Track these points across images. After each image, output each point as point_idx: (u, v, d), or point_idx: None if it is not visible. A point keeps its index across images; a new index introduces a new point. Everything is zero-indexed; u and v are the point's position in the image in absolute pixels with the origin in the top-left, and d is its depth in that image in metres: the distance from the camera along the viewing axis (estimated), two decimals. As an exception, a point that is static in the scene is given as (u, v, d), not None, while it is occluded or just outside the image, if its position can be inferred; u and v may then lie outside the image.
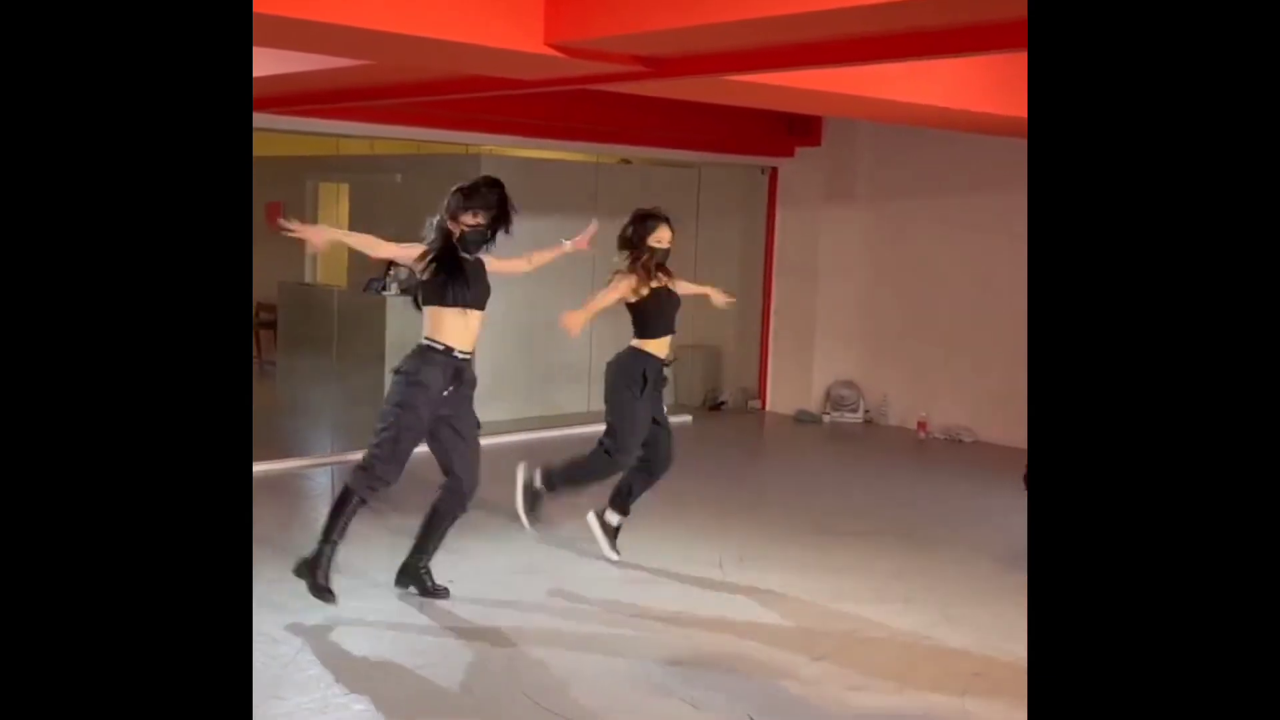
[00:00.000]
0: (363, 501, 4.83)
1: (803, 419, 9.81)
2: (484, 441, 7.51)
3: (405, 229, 9.02)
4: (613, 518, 5.59)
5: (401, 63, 4.89)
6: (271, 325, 10.63)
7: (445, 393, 4.73)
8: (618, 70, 4.30)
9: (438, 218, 4.94)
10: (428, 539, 5.00)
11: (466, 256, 4.87)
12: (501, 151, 9.05)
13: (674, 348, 5.46)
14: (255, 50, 4.84)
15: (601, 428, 5.43)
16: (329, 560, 4.78)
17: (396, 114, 7.32)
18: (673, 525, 6.15)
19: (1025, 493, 2.47)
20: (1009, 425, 8.34)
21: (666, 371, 5.48)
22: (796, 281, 10.05)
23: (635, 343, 5.40)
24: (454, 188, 4.94)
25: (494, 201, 4.82)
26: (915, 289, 9.33)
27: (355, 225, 10.27)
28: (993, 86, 5.49)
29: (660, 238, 5.40)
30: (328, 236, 5.15)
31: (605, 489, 5.59)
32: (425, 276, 4.86)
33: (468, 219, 4.83)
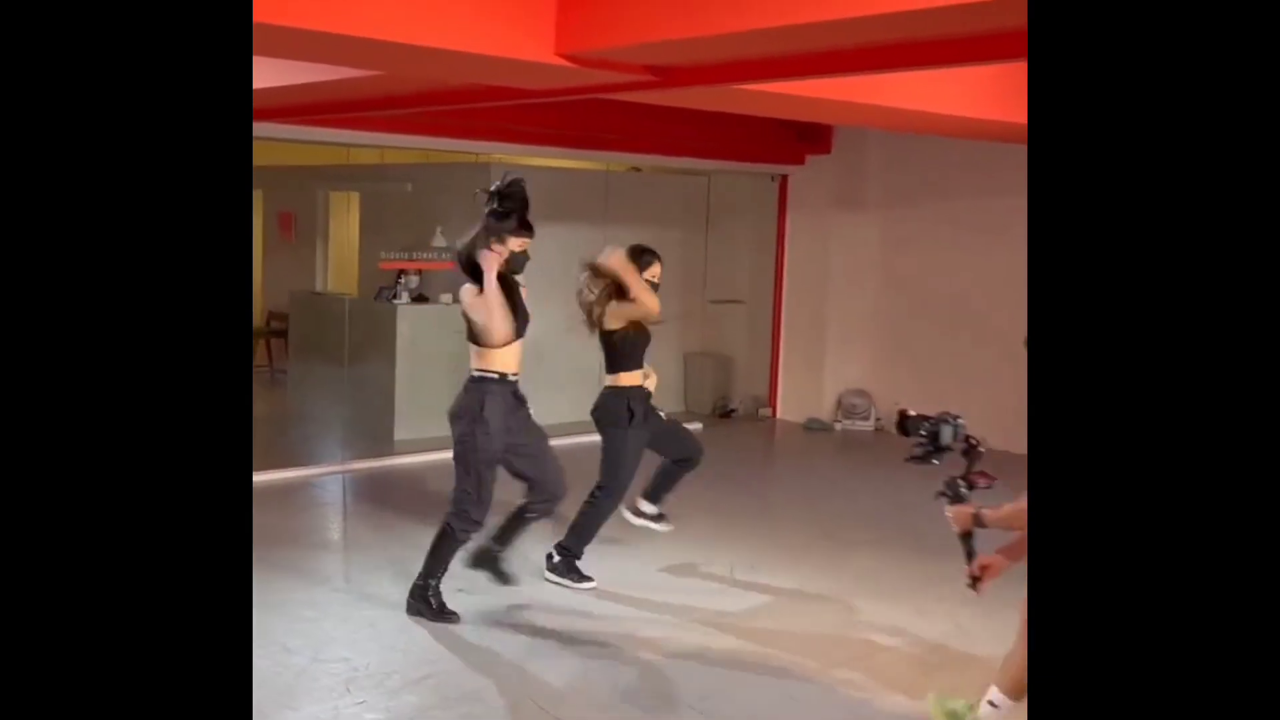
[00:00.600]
0: (461, 542, 4.84)
1: (813, 427, 9.80)
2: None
3: (415, 237, 9.10)
4: (648, 507, 5.59)
5: (412, 73, 4.90)
6: (283, 334, 10.65)
7: (509, 421, 4.75)
8: (628, 80, 4.30)
9: (467, 245, 4.80)
10: (509, 531, 5.03)
11: (515, 280, 4.85)
12: (511, 160, 9.07)
13: (646, 375, 5.39)
14: (268, 61, 4.86)
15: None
16: (437, 590, 4.85)
17: (407, 123, 7.34)
18: (684, 532, 6.13)
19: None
20: (1022, 434, 8.29)
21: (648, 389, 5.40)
22: (807, 289, 10.04)
23: (610, 379, 5.29)
24: (495, 209, 4.82)
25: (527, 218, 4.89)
26: (927, 296, 9.31)
27: (366, 233, 10.31)
28: (1002, 94, 5.48)
29: (654, 273, 5.34)
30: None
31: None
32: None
33: (517, 243, 4.81)
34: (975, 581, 3.66)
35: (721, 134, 8.52)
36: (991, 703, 3.58)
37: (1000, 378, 8.75)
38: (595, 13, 3.76)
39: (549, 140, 8.18)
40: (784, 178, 10.06)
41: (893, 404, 9.61)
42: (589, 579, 5.35)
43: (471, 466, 4.71)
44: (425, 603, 4.82)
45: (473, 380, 4.77)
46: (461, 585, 5.30)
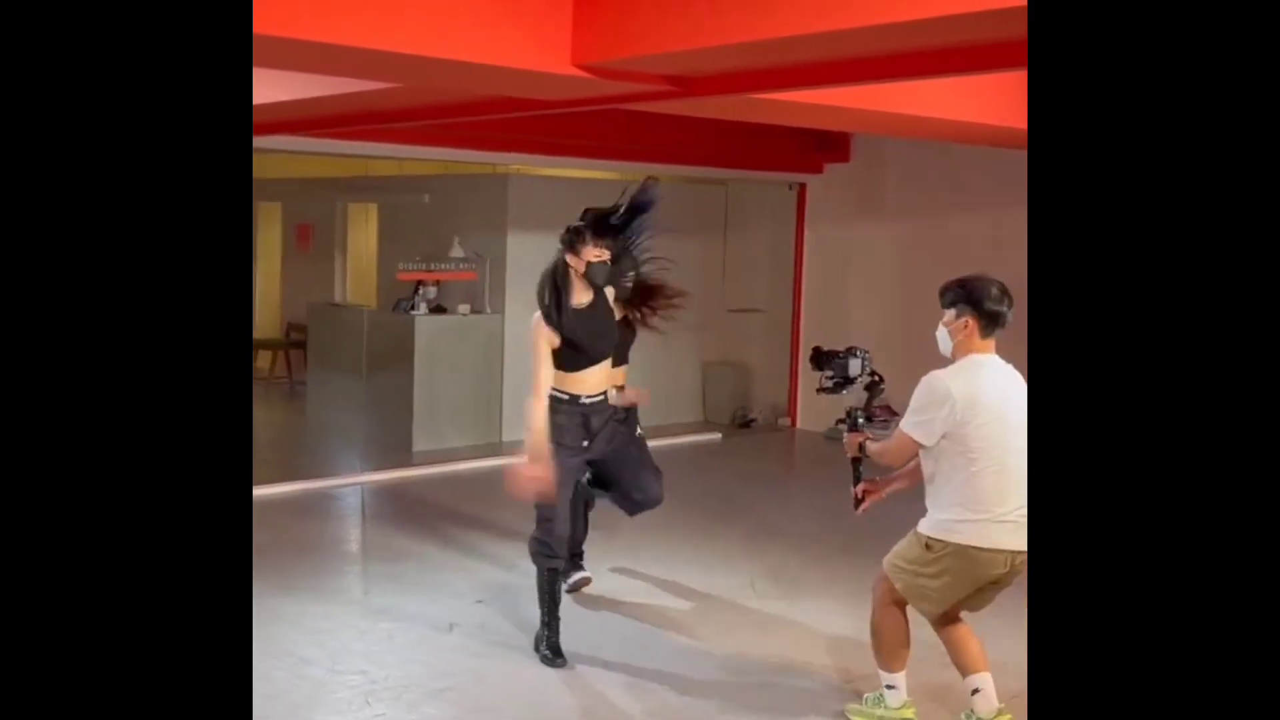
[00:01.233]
0: (556, 571, 4.61)
1: (834, 436, 9.74)
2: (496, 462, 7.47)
3: (433, 248, 9.11)
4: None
5: (430, 85, 4.90)
6: (301, 345, 10.68)
7: (584, 443, 4.54)
8: (646, 90, 4.29)
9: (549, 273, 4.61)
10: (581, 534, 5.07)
11: (581, 305, 4.57)
12: (529, 171, 9.07)
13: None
14: (287, 75, 4.87)
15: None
16: (556, 632, 4.57)
17: (424, 135, 7.34)
18: (703, 545, 6.11)
19: None
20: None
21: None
22: (826, 297, 10.01)
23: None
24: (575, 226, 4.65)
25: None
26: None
27: (384, 244, 10.33)
28: (1023, 101, 5.45)
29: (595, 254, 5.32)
30: (539, 444, 4.44)
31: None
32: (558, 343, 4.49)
33: (593, 251, 4.52)
34: (858, 503, 4.24)
35: (739, 143, 8.50)
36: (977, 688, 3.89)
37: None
38: (612, 23, 3.75)
39: (566, 151, 8.17)
40: (802, 186, 10.03)
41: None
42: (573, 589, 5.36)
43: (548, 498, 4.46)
44: (538, 642, 4.58)
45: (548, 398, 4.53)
46: (481, 597, 5.29)
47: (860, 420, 4.30)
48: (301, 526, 6.60)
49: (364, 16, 3.44)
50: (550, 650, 4.50)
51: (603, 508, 5.36)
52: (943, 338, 4.00)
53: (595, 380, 4.57)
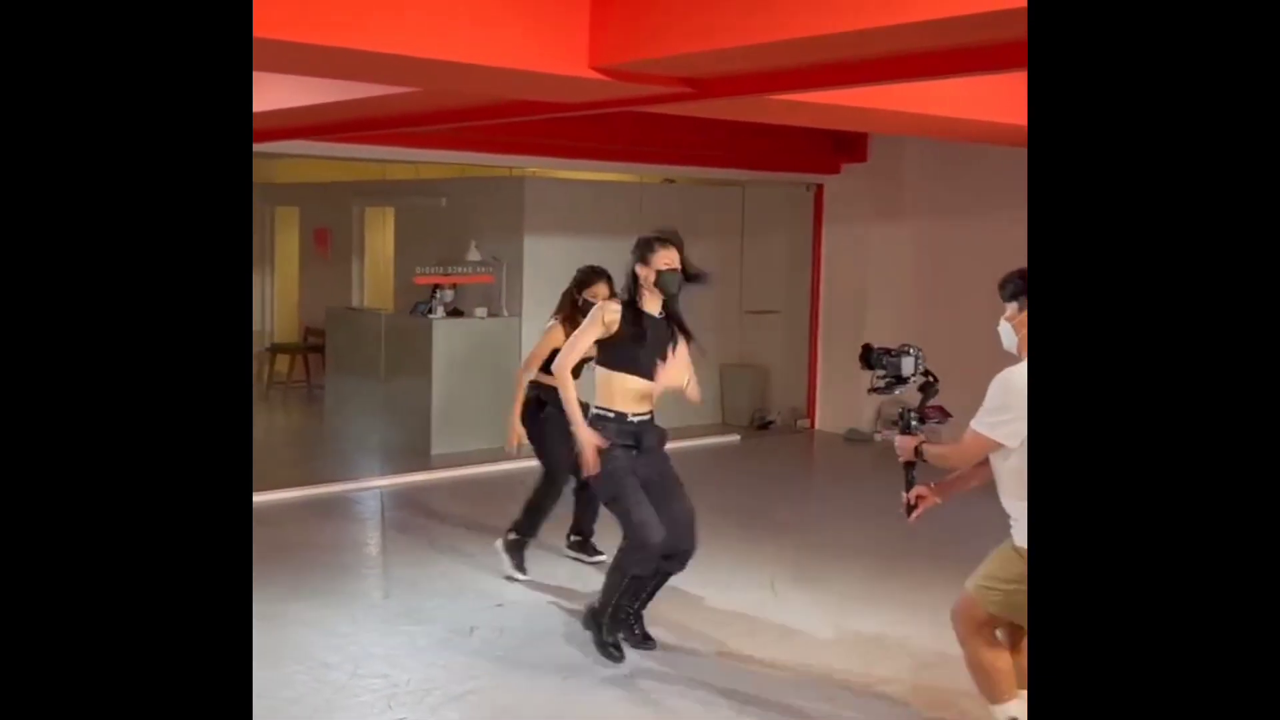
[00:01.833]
0: (637, 578, 4.49)
1: (853, 438, 9.72)
2: (500, 467, 7.50)
3: (450, 251, 9.12)
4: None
5: (446, 88, 4.90)
6: (320, 349, 10.71)
7: (633, 455, 4.44)
8: (662, 92, 4.28)
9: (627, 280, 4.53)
10: (644, 591, 4.70)
11: (652, 315, 4.48)
12: (545, 173, 9.09)
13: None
14: (303, 80, 4.89)
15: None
16: (612, 626, 4.55)
17: (441, 138, 7.36)
18: (724, 545, 6.10)
19: None
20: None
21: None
22: (844, 298, 9.98)
23: (544, 377, 5.42)
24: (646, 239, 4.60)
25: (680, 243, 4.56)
26: (965, 306, 9.22)
27: (401, 248, 10.35)
28: (1041, 100, 5.41)
29: (595, 293, 5.46)
30: (578, 420, 4.44)
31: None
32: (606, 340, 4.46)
33: (662, 258, 4.46)
34: (910, 510, 3.92)
35: (756, 144, 8.48)
36: None
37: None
38: (629, 26, 3.75)
39: (583, 153, 8.18)
40: (820, 187, 10.01)
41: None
42: (523, 572, 5.52)
43: (617, 496, 4.37)
44: (596, 629, 4.56)
45: (590, 414, 4.48)
46: (501, 600, 5.29)
47: (914, 422, 4.01)
48: (321, 530, 6.62)
49: (380, 21, 3.45)
50: (606, 643, 4.52)
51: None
52: (1006, 333, 3.74)
53: (645, 397, 4.48)
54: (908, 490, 3.90)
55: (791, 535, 6.58)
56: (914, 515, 3.90)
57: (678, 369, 4.52)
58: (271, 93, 5.17)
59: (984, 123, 5.49)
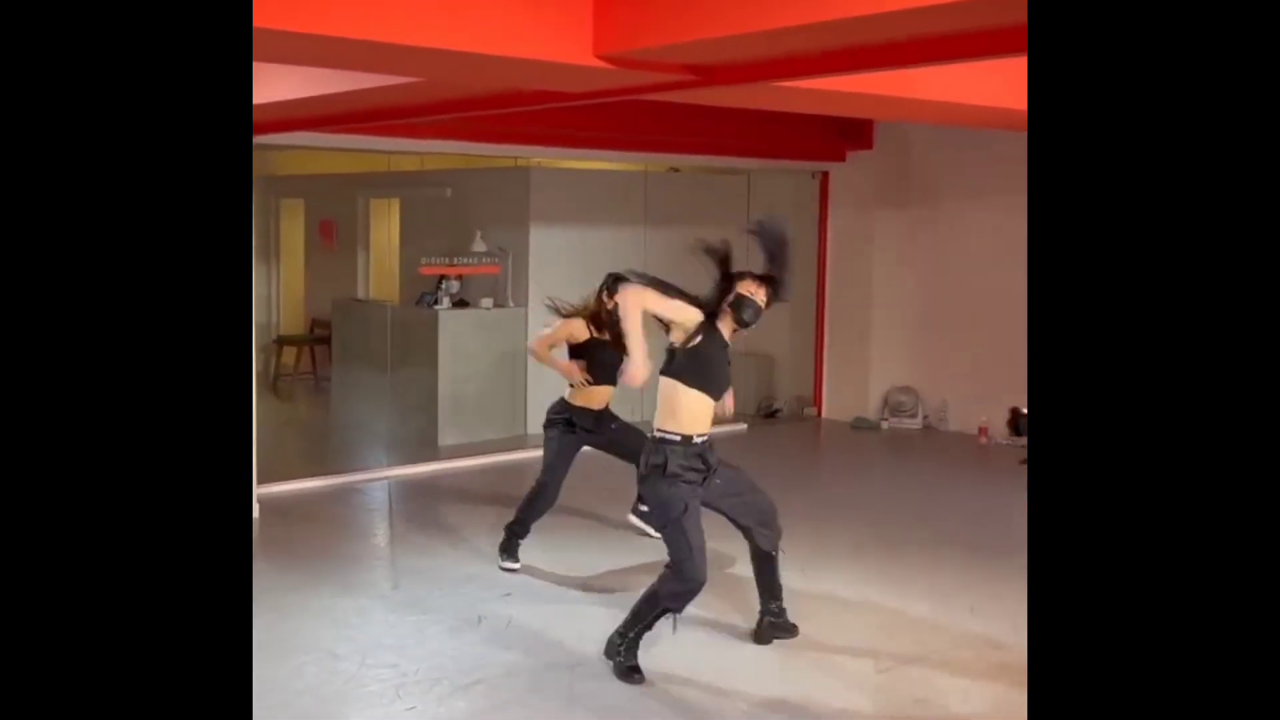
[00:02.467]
0: (669, 610, 4.35)
1: (860, 426, 9.71)
2: (512, 456, 7.47)
3: (456, 242, 9.11)
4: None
5: (450, 78, 4.89)
6: (326, 341, 10.71)
7: (699, 483, 4.32)
8: (667, 80, 4.27)
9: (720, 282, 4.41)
10: (768, 586, 4.73)
11: (723, 335, 4.41)
12: (550, 163, 9.07)
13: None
14: (306, 70, 4.87)
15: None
16: (632, 646, 4.37)
17: (446, 129, 7.34)
18: (732, 533, 6.09)
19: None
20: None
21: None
22: (850, 287, 9.96)
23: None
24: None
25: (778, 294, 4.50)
26: (972, 292, 9.20)
27: (406, 239, 10.35)
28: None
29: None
30: (640, 359, 4.25)
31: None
32: (685, 343, 4.31)
33: (752, 286, 4.42)
34: None
35: (761, 132, 8.46)
36: None
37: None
38: (633, 13, 3.73)
39: (588, 143, 8.17)
40: (825, 175, 9.98)
41: (940, 401, 9.55)
42: (515, 563, 5.56)
43: (673, 526, 4.26)
44: (617, 655, 4.37)
45: (653, 440, 4.35)
46: (509, 590, 5.30)
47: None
48: (329, 521, 6.63)
49: (383, 10, 3.44)
50: (629, 667, 4.31)
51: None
52: None
53: (708, 417, 4.38)
54: None
55: (800, 524, 6.57)
56: None
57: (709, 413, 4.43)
58: (275, 84, 5.15)
59: (989, 108, 5.46)
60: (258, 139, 6.24)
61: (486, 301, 8.93)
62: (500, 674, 4.34)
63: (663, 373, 4.34)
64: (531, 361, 8.90)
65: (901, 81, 4.88)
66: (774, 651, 4.59)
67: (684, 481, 4.27)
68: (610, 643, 4.40)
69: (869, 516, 6.79)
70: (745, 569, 5.67)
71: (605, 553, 5.88)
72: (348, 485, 7.44)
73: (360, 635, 4.70)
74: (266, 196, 11.70)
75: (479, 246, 8.92)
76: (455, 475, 7.84)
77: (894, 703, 4.13)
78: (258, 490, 6.68)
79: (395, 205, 10.98)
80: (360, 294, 11.12)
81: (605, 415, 5.65)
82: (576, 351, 5.61)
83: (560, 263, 9.06)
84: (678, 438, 4.29)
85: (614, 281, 5.61)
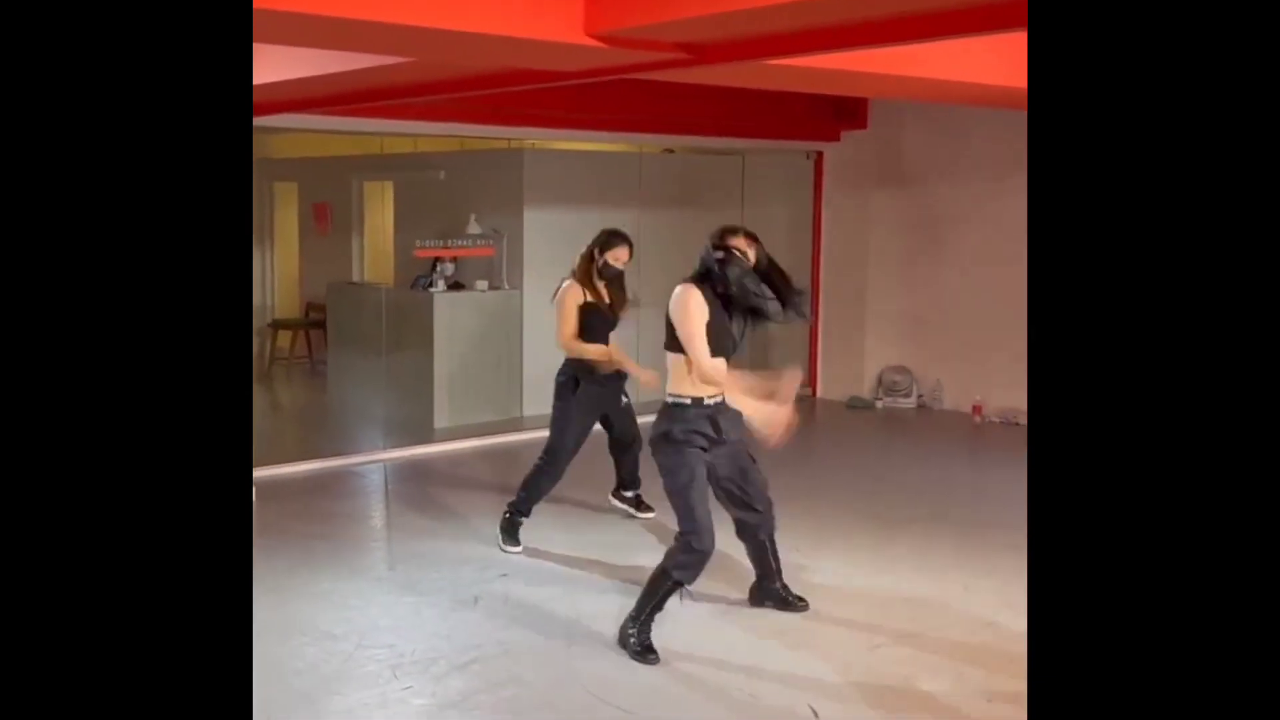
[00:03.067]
0: (678, 582, 4.33)
1: (855, 405, 9.73)
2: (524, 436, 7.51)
3: (450, 224, 9.10)
4: (622, 496, 6.10)
5: (443, 58, 4.88)
6: (321, 325, 10.71)
7: (708, 448, 4.30)
8: (660, 58, 4.25)
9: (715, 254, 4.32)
10: (767, 564, 4.78)
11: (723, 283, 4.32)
12: (544, 145, 9.05)
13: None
14: (299, 51, 4.86)
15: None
16: (645, 628, 4.34)
17: (439, 110, 7.33)
18: (723, 515, 6.11)
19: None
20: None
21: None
22: (845, 267, 9.96)
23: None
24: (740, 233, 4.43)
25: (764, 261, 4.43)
26: (967, 271, 9.21)
27: (400, 222, 10.33)
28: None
29: (617, 256, 5.57)
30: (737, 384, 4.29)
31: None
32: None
33: (742, 243, 4.36)
34: None
35: (755, 112, 8.44)
36: None
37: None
38: (625, -9, 3.72)
39: (581, 124, 8.15)
40: (819, 155, 9.97)
41: (934, 381, 9.57)
42: (517, 546, 5.55)
43: (682, 494, 4.24)
44: (629, 637, 4.35)
45: (665, 406, 4.32)
46: (504, 570, 5.31)
47: None
48: (325, 504, 6.64)
49: (375, -11, 3.43)
50: (643, 647, 4.30)
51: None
52: None
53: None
54: None
55: (795, 503, 6.59)
56: None
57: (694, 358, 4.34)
58: (266, 65, 5.14)
59: (984, 86, 5.45)
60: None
61: (481, 284, 8.92)
62: (497, 653, 4.36)
63: (667, 348, 4.32)
64: (527, 343, 8.95)
65: (895, 59, 4.88)
66: (770, 628, 4.61)
67: (690, 448, 4.25)
68: (622, 630, 4.39)
69: (864, 495, 6.81)
70: (720, 548, 5.68)
71: (601, 532, 5.89)
72: (344, 468, 7.45)
73: (357, 616, 4.72)
74: (260, 180, 11.67)
75: (474, 229, 8.91)
76: (451, 457, 7.85)
77: (886, 679, 4.15)
78: (254, 473, 6.69)
79: (389, 188, 10.96)
80: (355, 277, 11.11)
81: (615, 376, 5.61)
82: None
83: (555, 244, 9.04)
84: (688, 400, 4.27)
85: (609, 238, 5.61)
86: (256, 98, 5.86)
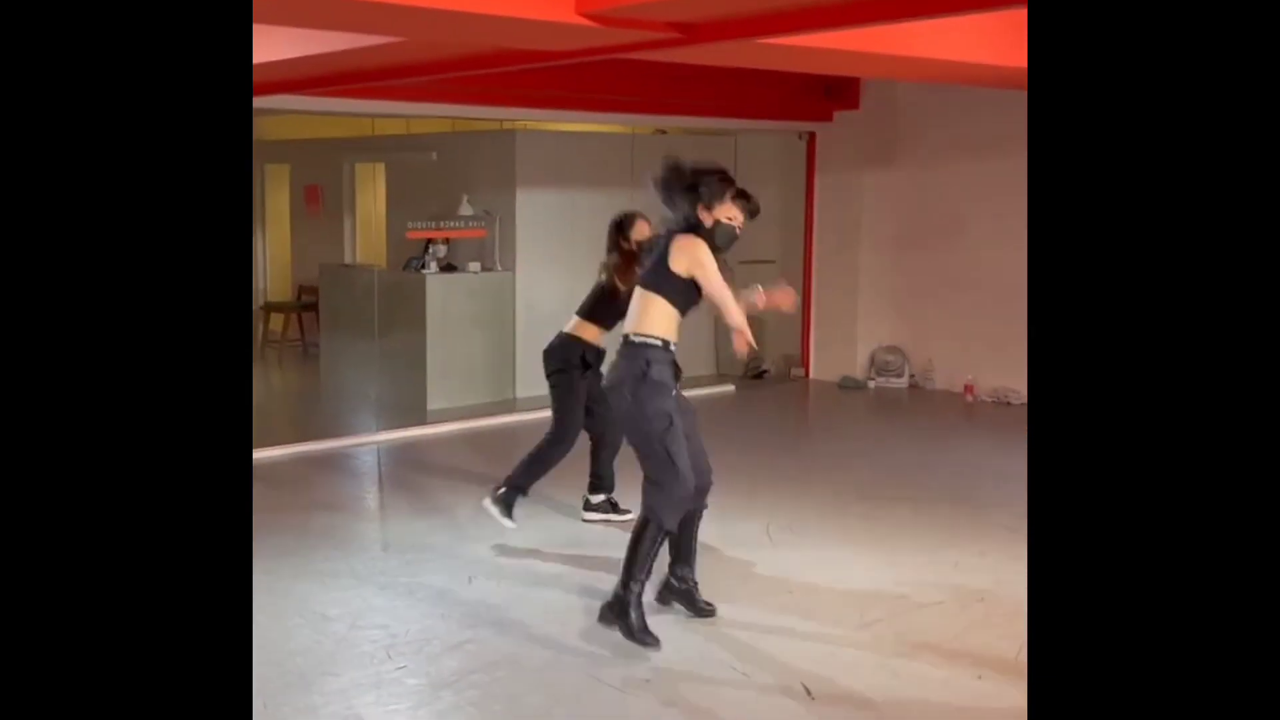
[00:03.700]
0: (668, 532, 4.18)
1: (847, 385, 9.75)
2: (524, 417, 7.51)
3: (442, 206, 9.09)
4: (596, 496, 5.79)
5: (434, 38, 4.86)
6: (313, 307, 10.69)
7: (675, 391, 4.18)
8: (651, 38, 4.25)
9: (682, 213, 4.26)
10: (685, 549, 4.48)
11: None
12: (537, 126, 9.03)
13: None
14: (290, 31, 4.84)
15: None
16: (639, 602, 4.16)
17: (430, 91, 7.31)
18: (719, 495, 6.12)
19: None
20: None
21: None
22: (837, 247, 9.96)
23: (574, 327, 5.51)
24: (715, 171, 4.36)
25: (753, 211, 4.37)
26: (958, 251, 9.22)
27: (392, 204, 10.31)
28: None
29: (641, 231, 5.42)
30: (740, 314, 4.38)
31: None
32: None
33: (731, 210, 4.30)
34: None
35: (747, 93, 8.43)
36: None
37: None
38: (616, -31, 3.71)
39: (573, 104, 8.13)
40: (812, 135, 9.96)
41: (926, 360, 9.59)
42: (511, 522, 5.42)
43: (658, 442, 4.04)
44: (624, 615, 4.15)
45: (634, 345, 4.16)
46: (498, 551, 5.32)
47: None
48: (319, 486, 6.65)
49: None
50: (642, 628, 4.15)
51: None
52: None
53: (676, 329, 4.27)
54: None
55: (787, 483, 6.62)
56: None
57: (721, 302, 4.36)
58: (258, 45, 5.11)
59: (976, 65, 5.45)
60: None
61: (474, 265, 8.91)
62: (490, 634, 4.37)
63: (648, 287, 4.22)
64: (520, 325, 8.94)
65: (887, 38, 4.87)
66: (758, 610, 4.63)
67: (669, 391, 4.09)
68: (611, 605, 4.22)
69: (856, 474, 6.83)
70: (714, 529, 5.68)
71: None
72: (337, 450, 7.45)
73: (351, 597, 4.73)
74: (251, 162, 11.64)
75: (466, 210, 8.89)
76: (444, 439, 7.86)
77: (878, 657, 4.17)
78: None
79: (381, 170, 10.93)
80: (347, 259, 11.09)
81: (601, 356, 5.41)
82: (605, 304, 5.37)
83: (547, 226, 9.04)
84: (659, 342, 4.13)
85: (625, 219, 5.47)
86: (247, 78, 5.83)
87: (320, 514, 6.00)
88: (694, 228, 4.24)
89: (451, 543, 5.45)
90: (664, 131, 9.95)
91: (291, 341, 11.56)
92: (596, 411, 5.51)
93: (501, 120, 8.73)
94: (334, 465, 7.15)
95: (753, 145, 10.17)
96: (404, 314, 8.88)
